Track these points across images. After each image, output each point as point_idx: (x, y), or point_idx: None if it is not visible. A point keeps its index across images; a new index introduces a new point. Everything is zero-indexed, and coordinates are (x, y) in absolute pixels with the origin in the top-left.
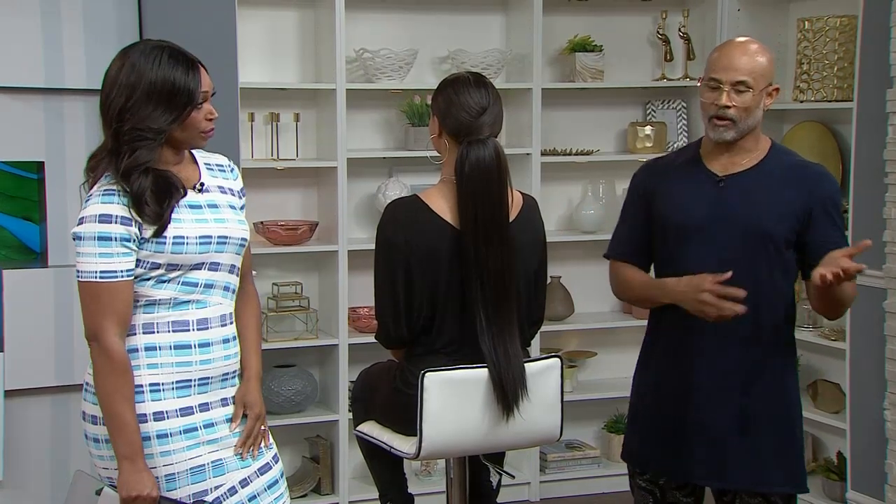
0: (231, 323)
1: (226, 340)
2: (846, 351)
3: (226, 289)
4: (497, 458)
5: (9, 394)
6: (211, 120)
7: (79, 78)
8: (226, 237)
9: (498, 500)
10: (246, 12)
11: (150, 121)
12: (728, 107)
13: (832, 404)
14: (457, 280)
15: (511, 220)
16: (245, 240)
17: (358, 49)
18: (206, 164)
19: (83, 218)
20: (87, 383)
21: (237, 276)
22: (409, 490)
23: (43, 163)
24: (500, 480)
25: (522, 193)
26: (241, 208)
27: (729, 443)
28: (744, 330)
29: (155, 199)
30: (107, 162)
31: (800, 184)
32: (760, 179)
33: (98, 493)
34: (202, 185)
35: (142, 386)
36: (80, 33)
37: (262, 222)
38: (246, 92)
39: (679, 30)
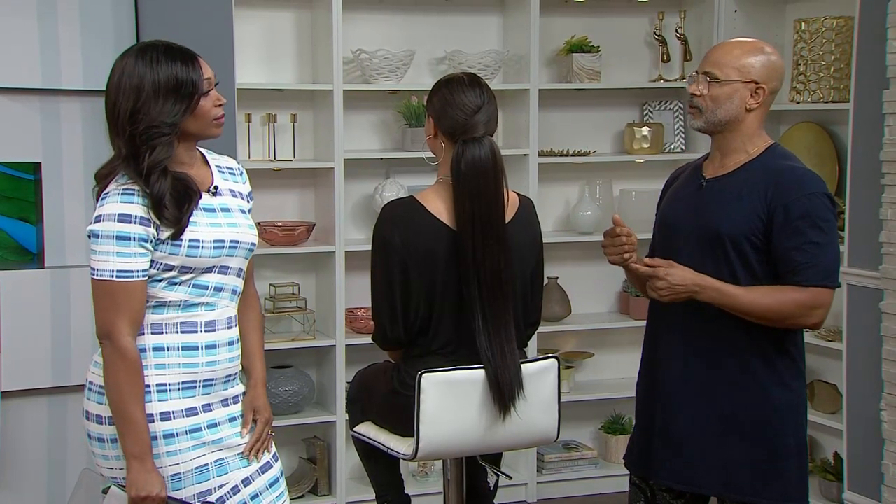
0: (236, 325)
1: (231, 343)
2: (843, 352)
3: (233, 292)
4: (494, 458)
5: (5, 395)
6: (220, 106)
7: (76, 79)
8: (237, 241)
9: (495, 500)
10: (243, 13)
11: (162, 116)
12: (695, 94)
13: (829, 405)
14: (454, 281)
15: (508, 220)
16: (254, 244)
17: (355, 50)
18: (217, 166)
19: (101, 216)
20: (91, 383)
21: (243, 279)
22: (406, 491)
23: (39, 164)
24: (497, 481)
25: (518, 194)
26: (249, 211)
27: (695, 446)
28: (710, 332)
29: (174, 202)
30: (123, 167)
31: (771, 187)
32: (736, 182)
33: (105, 491)
34: (216, 188)
35: (149, 386)
36: (77, 34)
37: (259, 223)
38: (243, 93)
39: (676, 31)
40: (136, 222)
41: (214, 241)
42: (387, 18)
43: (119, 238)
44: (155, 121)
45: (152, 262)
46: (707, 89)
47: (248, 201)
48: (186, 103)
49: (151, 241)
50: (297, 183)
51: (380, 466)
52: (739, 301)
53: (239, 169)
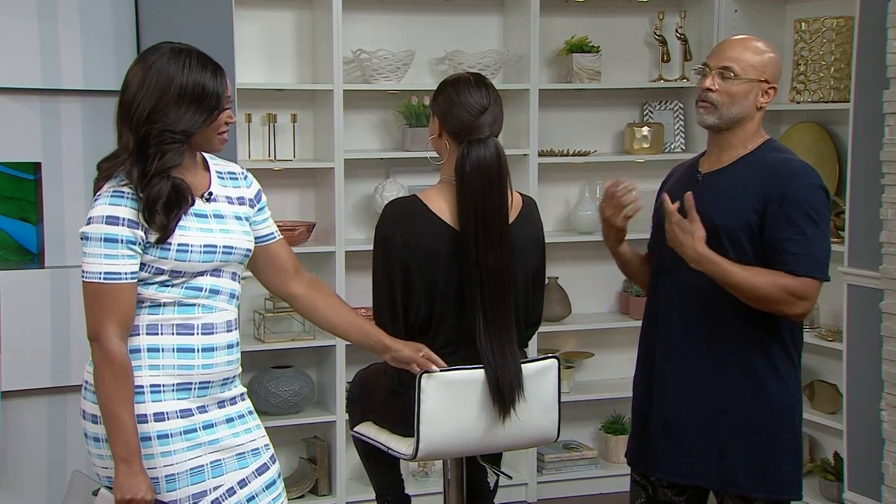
0: (236, 329)
1: (230, 346)
2: (843, 352)
3: (231, 296)
4: (494, 458)
5: (5, 395)
6: (228, 124)
7: (76, 79)
8: (231, 247)
9: (495, 500)
10: (243, 13)
11: (180, 123)
12: (710, 90)
13: (829, 405)
14: (455, 281)
15: (511, 221)
16: (249, 250)
17: (355, 50)
18: (217, 172)
19: (91, 218)
20: (86, 382)
21: (239, 283)
22: (407, 491)
23: (39, 164)
24: (497, 481)
25: (521, 194)
26: (261, 210)
27: (690, 440)
28: (706, 327)
29: (165, 208)
30: (130, 163)
31: (767, 179)
32: (733, 175)
33: (95, 493)
34: (210, 194)
35: (142, 387)
36: (77, 34)
37: None
38: (243, 93)
39: (676, 31)
40: (123, 225)
41: (205, 247)
42: (387, 18)
43: (107, 240)
44: (171, 125)
45: (144, 265)
46: (724, 85)
47: (253, 206)
48: (206, 115)
49: (140, 244)
50: (297, 183)
51: (380, 466)
52: (731, 272)
53: (243, 174)
